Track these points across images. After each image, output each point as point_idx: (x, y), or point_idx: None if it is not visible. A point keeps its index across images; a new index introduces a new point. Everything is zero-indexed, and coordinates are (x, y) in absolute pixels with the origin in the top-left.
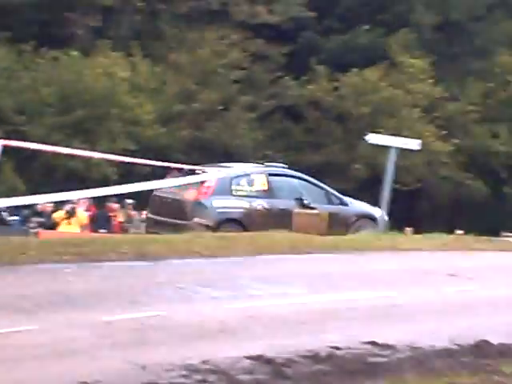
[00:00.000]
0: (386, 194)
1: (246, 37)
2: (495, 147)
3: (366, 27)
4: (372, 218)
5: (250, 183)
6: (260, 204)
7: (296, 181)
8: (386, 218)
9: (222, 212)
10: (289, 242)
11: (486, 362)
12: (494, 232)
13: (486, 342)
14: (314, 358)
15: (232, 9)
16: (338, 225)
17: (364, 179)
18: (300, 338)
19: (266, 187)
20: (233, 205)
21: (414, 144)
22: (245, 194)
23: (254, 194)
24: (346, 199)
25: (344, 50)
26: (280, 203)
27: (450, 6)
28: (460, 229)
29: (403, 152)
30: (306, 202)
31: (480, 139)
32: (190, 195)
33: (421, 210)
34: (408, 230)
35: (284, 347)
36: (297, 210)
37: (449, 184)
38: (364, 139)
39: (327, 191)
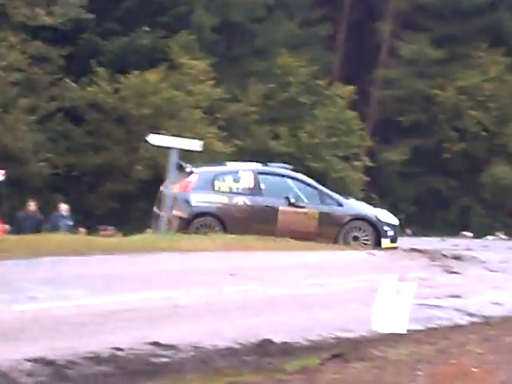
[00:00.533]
0: (168, 194)
1: (24, 39)
2: (276, 148)
3: (147, 29)
4: (367, 220)
5: (236, 180)
6: (242, 200)
7: (289, 180)
8: (396, 221)
9: (198, 206)
10: (70, 244)
11: (269, 361)
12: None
13: (269, 340)
14: (96, 359)
15: (10, 11)
16: (330, 225)
17: (146, 180)
18: (81, 340)
19: (252, 185)
20: (211, 199)
21: (195, 145)
22: (227, 190)
23: (238, 190)
24: (345, 200)
25: (125, 52)
26: (265, 200)
27: (229, 7)
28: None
29: (185, 153)
30: (292, 200)
31: (261, 140)
32: (175, 189)
33: None
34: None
35: (65, 349)
36: (282, 207)
37: None
38: (145, 141)
39: (321, 191)
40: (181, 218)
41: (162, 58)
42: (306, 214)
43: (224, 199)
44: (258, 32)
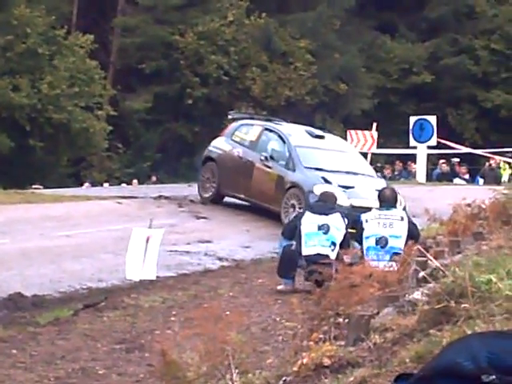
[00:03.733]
0: None
1: None
2: (17, 100)
3: None
4: (300, 188)
5: (247, 132)
6: (237, 151)
7: (280, 140)
8: (344, 200)
9: (210, 150)
10: None
11: (21, 315)
12: (22, 185)
13: (20, 294)
14: None
15: None
16: (281, 190)
17: None
18: None
19: (254, 139)
20: (221, 146)
21: None
22: (238, 140)
23: (243, 142)
24: (300, 167)
25: None
26: (251, 155)
27: None
28: None
29: None
30: (261, 158)
31: (1, 92)
32: None
33: None
34: None
35: None
36: (258, 164)
37: None
38: None
39: (291, 154)
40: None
41: None
42: (268, 173)
43: (227, 147)
44: None
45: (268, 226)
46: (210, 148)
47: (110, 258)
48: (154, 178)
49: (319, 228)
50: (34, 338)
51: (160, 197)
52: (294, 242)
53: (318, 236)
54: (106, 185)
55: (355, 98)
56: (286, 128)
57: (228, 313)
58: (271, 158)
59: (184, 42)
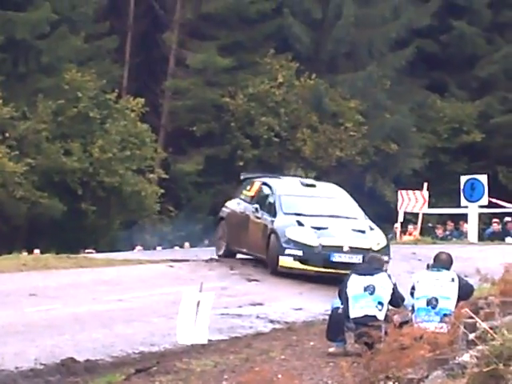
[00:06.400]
0: None
1: None
2: (69, 164)
3: None
4: (276, 233)
5: (249, 189)
6: (240, 208)
7: (270, 192)
8: (313, 241)
9: (223, 211)
10: None
11: (73, 380)
12: (75, 249)
13: (72, 359)
14: None
15: None
16: (265, 237)
17: None
18: None
19: (253, 194)
20: (229, 205)
21: None
22: (243, 197)
23: (246, 198)
24: (280, 213)
25: None
26: (248, 209)
27: (13, 24)
28: (38, 248)
29: None
30: (253, 209)
31: (53, 157)
32: None
33: None
34: None
35: None
36: (251, 216)
37: (25, 204)
38: None
39: (274, 203)
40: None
41: None
42: (258, 224)
43: (234, 206)
44: (43, 48)
45: (320, 288)
46: (223, 208)
47: (162, 321)
48: (206, 241)
49: (365, 289)
50: None
51: (211, 259)
52: (340, 306)
53: (365, 297)
54: (158, 248)
55: (406, 158)
56: (279, 180)
57: (280, 376)
58: (260, 208)
59: (234, 103)
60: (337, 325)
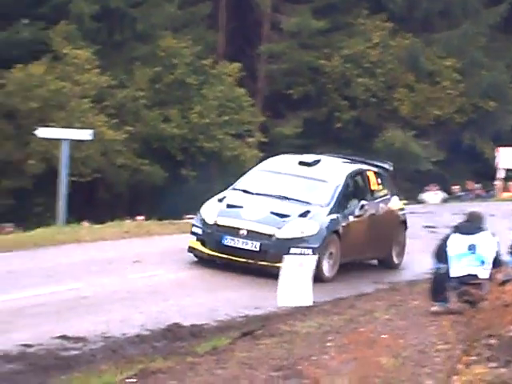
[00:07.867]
0: (62, 186)
1: None
2: (168, 131)
3: (26, 21)
4: None
5: None
6: None
7: None
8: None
9: None
10: None
11: (179, 345)
12: (177, 215)
13: (177, 324)
14: (5, 357)
15: None
16: None
17: (41, 174)
18: None
19: None
20: None
21: (85, 134)
22: None
23: None
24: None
25: (5, 47)
26: None
27: None
28: (141, 215)
29: (77, 144)
30: None
31: (152, 124)
32: None
33: (100, 200)
34: (85, 223)
35: None
36: None
37: (126, 171)
38: (35, 134)
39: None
40: None
41: (44, 49)
42: None
43: None
44: (137, 16)
45: (423, 248)
46: None
47: (266, 285)
48: None
49: (468, 248)
50: (192, 368)
51: None
52: (442, 265)
53: (467, 256)
54: None
55: (504, 115)
56: (274, 157)
57: (384, 336)
58: None
59: (330, 65)
60: (438, 286)
